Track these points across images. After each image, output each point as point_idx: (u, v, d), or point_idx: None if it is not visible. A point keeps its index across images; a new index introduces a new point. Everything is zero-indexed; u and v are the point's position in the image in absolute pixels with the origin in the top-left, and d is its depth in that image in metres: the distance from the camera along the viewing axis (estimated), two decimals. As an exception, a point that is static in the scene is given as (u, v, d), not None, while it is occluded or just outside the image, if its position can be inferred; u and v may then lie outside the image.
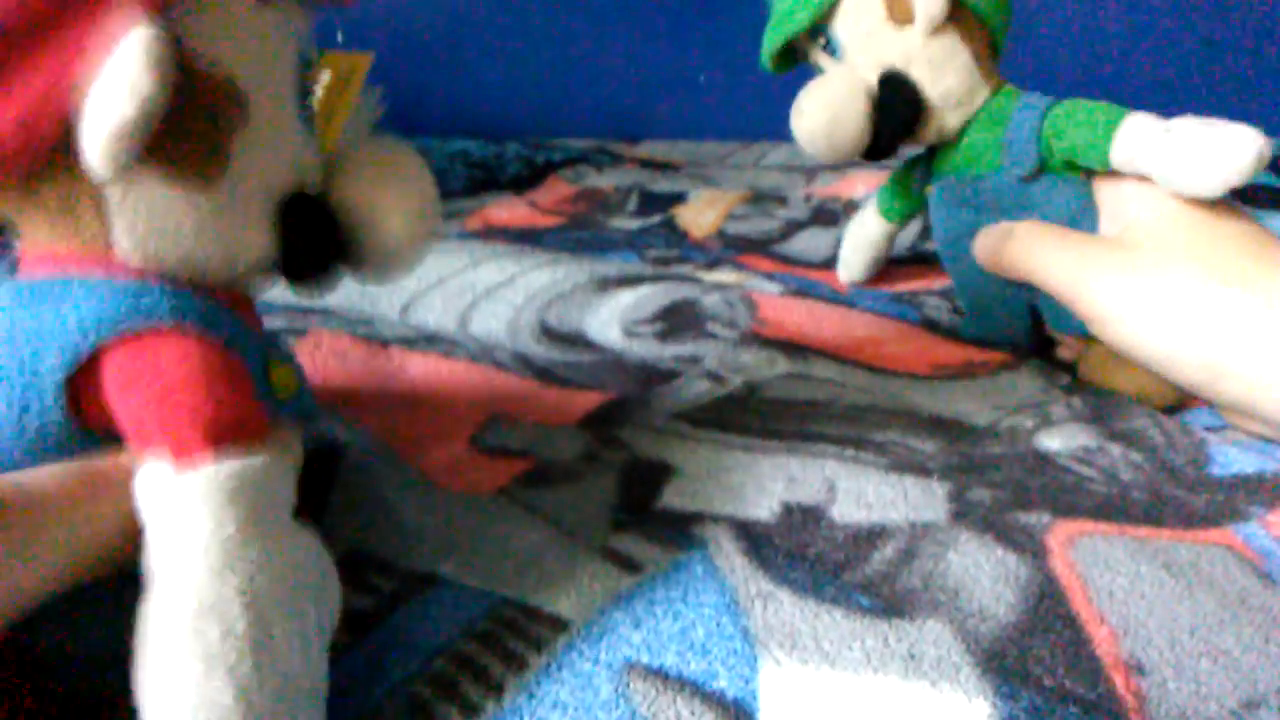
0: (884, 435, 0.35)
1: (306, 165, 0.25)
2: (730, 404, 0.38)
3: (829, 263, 0.58)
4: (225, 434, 0.21)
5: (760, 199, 0.73)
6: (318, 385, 0.41)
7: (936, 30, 0.38)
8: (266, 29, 0.23)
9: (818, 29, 0.41)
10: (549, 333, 0.47)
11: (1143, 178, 0.35)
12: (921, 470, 0.33)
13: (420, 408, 0.39)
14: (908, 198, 0.48)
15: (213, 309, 0.23)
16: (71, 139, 0.19)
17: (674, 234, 0.65)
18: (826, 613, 0.26)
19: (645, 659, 0.24)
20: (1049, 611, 0.26)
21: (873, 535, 0.29)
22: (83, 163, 0.20)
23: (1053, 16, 0.85)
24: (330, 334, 0.46)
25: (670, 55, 1.02)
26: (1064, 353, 0.42)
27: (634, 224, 0.68)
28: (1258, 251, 0.33)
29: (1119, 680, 0.23)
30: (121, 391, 0.21)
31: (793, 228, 0.66)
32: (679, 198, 0.74)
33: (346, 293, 0.49)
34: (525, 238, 0.64)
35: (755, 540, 0.29)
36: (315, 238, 0.25)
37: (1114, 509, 0.30)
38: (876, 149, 0.41)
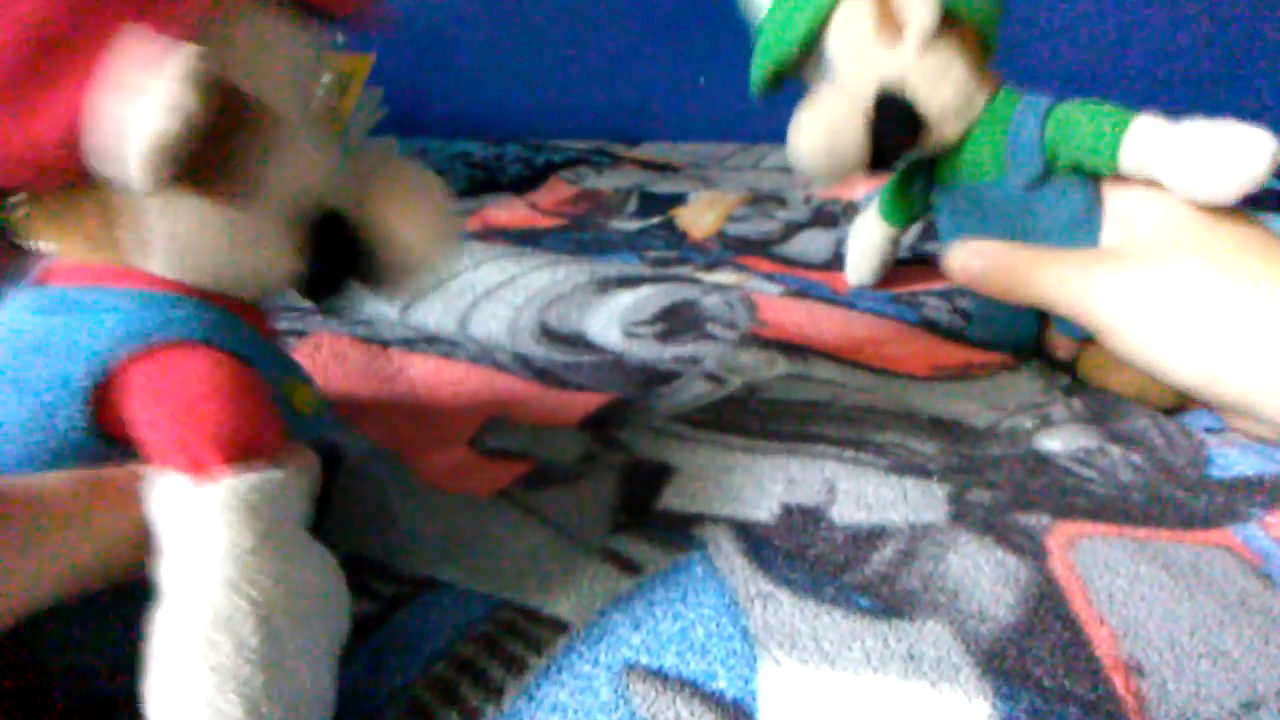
0: (884, 436, 0.35)
1: (326, 178, 0.25)
2: (730, 405, 0.38)
3: (829, 264, 0.58)
4: (244, 449, 0.21)
5: (760, 200, 0.73)
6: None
7: (930, 41, 0.38)
8: (297, 49, 0.23)
9: (808, 49, 0.41)
10: (549, 334, 0.47)
11: (1152, 182, 0.35)
12: (921, 471, 0.33)
13: (420, 409, 0.39)
14: (909, 202, 0.47)
15: (237, 325, 0.23)
16: (89, 153, 0.20)
17: (674, 235, 0.65)
18: (826, 613, 0.26)
19: (645, 660, 0.24)
20: (1049, 612, 0.26)
21: (872, 536, 0.29)
22: (106, 177, 0.20)
23: (1052, 16, 0.85)
24: (330, 336, 0.46)
25: (670, 57, 1.02)
26: (1059, 353, 0.42)
27: (634, 225, 0.69)
28: (1260, 252, 0.33)
29: (1119, 681, 0.23)
30: (144, 403, 0.21)
31: (792, 229, 0.66)
32: (679, 199, 0.74)
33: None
34: (525, 239, 0.64)
35: (755, 541, 0.29)
36: (336, 252, 0.25)
37: (1114, 510, 0.30)
38: (876, 165, 0.40)
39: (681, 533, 0.30)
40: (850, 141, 0.39)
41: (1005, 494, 0.31)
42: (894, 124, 0.39)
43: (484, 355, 0.44)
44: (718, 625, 0.25)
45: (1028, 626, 0.25)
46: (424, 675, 0.24)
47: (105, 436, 0.21)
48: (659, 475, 0.33)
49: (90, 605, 0.20)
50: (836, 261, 0.59)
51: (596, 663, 0.24)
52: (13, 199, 0.22)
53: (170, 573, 0.19)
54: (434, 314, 0.49)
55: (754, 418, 0.37)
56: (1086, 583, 0.27)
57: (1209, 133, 0.33)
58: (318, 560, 0.21)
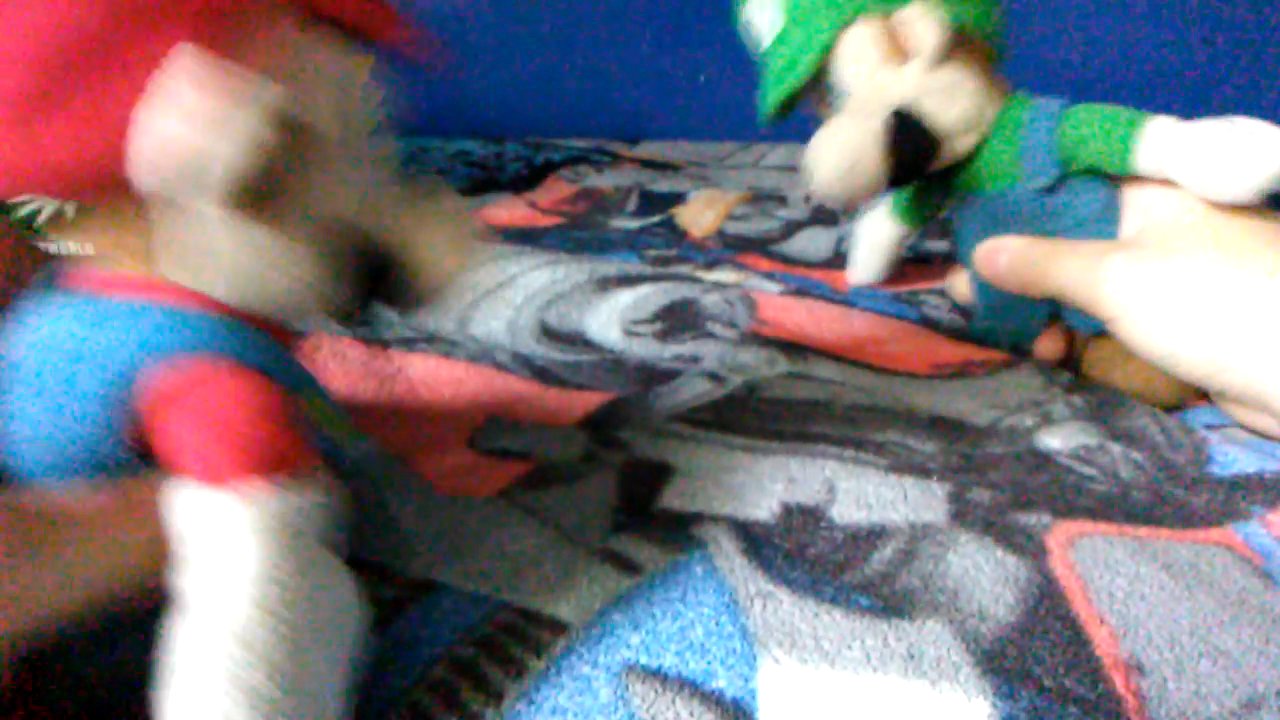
0: (884, 435, 0.35)
1: (356, 200, 0.25)
2: (730, 404, 0.38)
3: (829, 262, 0.58)
4: (271, 464, 0.21)
5: (760, 199, 0.73)
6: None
7: (939, 61, 0.38)
8: (348, 79, 0.23)
9: (818, 77, 0.41)
10: (549, 333, 0.47)
11: (1168, 181, 0.35)
12: (921, 471, 0.33)
13: (419, 409, 0.39)
14: (922, 205, 0.47)
15: (267, 343, 0.23)
16: (129, 163, 0.20)
17: (674, 234, 0.65)
18: (826, 612, 0.26)
19: (644, 660, 0.24)
20: (1049, 612, 0.26)
21: (872, 536, 0.29)
22: (139, 188, 0.20)
23: (1052, 17, 0.85)
24: (330, 335, 0.46)
25: (670, 56, 1.02)
26: (1042, 356, 0.42)
27: (634, 224, 0.68)
28: (1272, 242, 0.33)
29: (1119, 680, 0.23)
30: (172, 416, 0.21)
31: (792, 227, 0.66)
32: (679, 198, 0.74)
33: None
34: (525, 238, 0.64)
35: (755, 540, 0.29)
36: (363, 273, 0.25)
37: (1114, 508, 0.30)
38: (895, 184, 0.40)
39: (681, 532, 0.30)
40: (868, 165, 0.39)
41: (1005, 493, 0.31)
42: (909, 144, 0.39)
43: (483, 354, 0.44)
44: (717, 625, 0.25)
45: (1028, 626, 0.25)
46: (424, 679, 0.24)
47: (130, 449, 0.21)
48: (659, 474, 0.33)
49: (104, 616, 0.20)
50: (837, 260, 0.59)
51: (596, 664, 0.24)
52: (32, 204, 0.22)
53: (194, 585, 0.19)
54: (433, 313, 0.49)
55: (754, 417, 0.37)
56: (1086, 582, 0.27)
57: (1225, 132, 0.33)
58: (338, 576, 0.22)
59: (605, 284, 0.53)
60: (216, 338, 0.22)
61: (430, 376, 0.42)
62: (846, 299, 0.51)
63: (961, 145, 0.40)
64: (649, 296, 0.51)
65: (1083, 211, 0.38)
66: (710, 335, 0.45)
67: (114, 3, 0.19)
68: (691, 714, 0.23)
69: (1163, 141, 0.34)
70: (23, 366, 0.22)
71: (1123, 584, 0.27)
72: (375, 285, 0.25)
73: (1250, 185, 0.32)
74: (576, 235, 0.66)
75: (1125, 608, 0.26)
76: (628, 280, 0.53)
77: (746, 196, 0.73)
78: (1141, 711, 0.22)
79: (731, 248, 0.62)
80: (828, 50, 0.40)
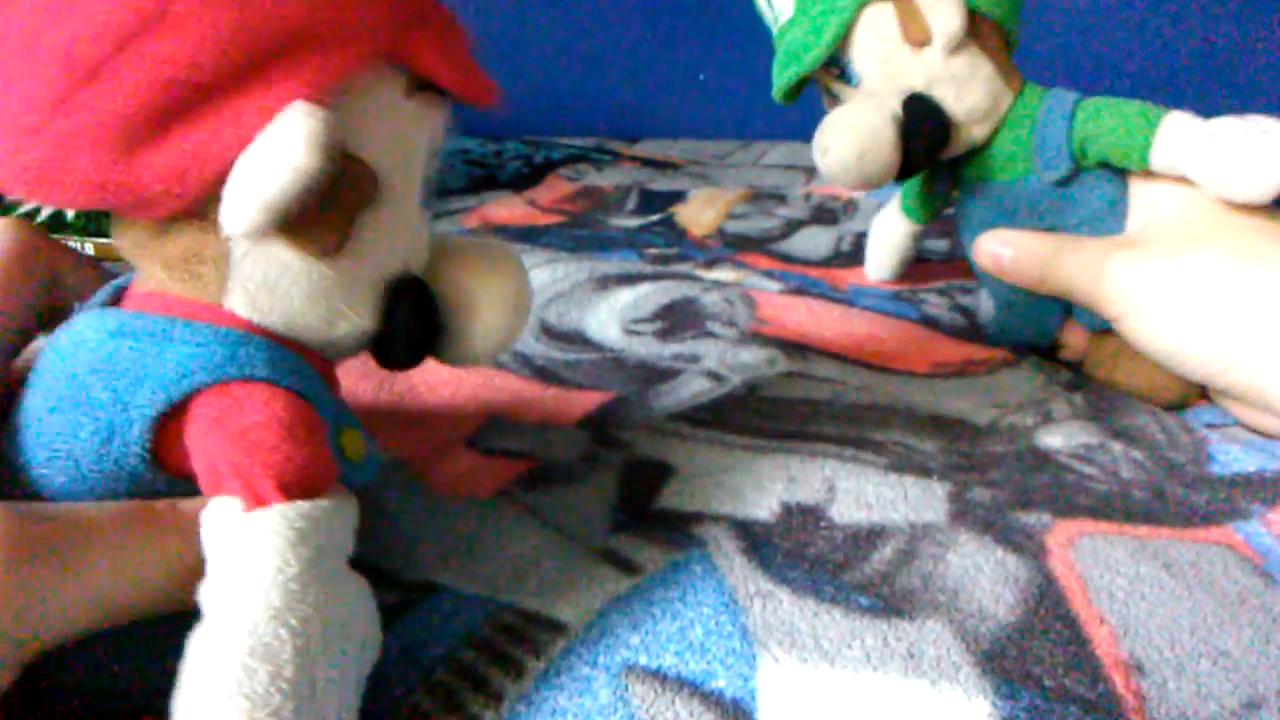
0: (884, 435, 0.35)
1: (418, 249, 0.26)
2: (730, 403, 0.38)
3: (828, 261, 0.58)
4: (298, 479, 0.21)
5: (760, 197, 0.73)
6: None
7: (955, 46, 0.38)
8: (407, 118, 0.24)
9: (832, 59, 0.40)
10: (548, 331, 0.47)
11: (1181, 179, 0.35)
12: (921, 470, 0.33)
13: (419, 409, 0.39)
14: (931, 199, 0.47)
15: (304, 369, 0.23)
16: (211, 195, 0.20)
17: (674, 232, 0.65)
18: (826, 612, 0.26)
19: (644, 660, 0.24)
20: (1049, 611, 0.26)
21: (872, 535, 0.29)
22: (218, 219, 0.20)
23: (1051, 16, 0.85)
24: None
25: (670, 54, 1.01)
26: (1066, 355, 0.42)
27: (633, 222, 0.68)
28: (1276, 237, 0.33)
29: (1119, 680, 0.23)
30: (203, 433, 0.21)
31: (792, 226, 0.66)
32: (679, 196, 0.74)
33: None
34: (525, 236, 0.64)
35: (754, 540, 0.29)
36: (417, 321, 0.25)
37: (1114, 507, 0.30)
38: (906, 171, 0.40)
39: (681, 531, 0.30)
40: (881, 149, 0.38)
41: (1005, 492, 0.31)
42: (924, 129, 0.39)
43: (483, 354, 0.44)
44: (717, 624, 0.25)
45: (1028, 625, 0.25)
46: (424, 681, 0.24)
47: (162, 469, 0.22)
48: (658, 474, 0.33)
49: (121, 630, 0.20)
50: (836, 258, 0.59)
51: (595, 664, 0.24)
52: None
53: (213, 596, 0.19)
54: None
55: (754, 416, 0.37)
56: (1086, 581, 0.27)
57: (1242, 131, 0.33)
58: (358, 594, 0.22)
59: (605, 283, 0.53)
60: (253, 360, 0.22)
61: (430, 376, 0.42)
62: (846, 297, 0.51)
63: (975, 134, 0.40)
64: (649, 295, 0.51)
65: (1092, 206, 0.38)
66: (710, 334, 0.45)
67: (239, 52, 0.20)
68: (691, 714, 0.23)
69: (1179, 139, 0.34)
70: (71, 381, 0.22)
71: (1123, 584, 0.27)
72: (424, 333, 0.26)
73: (1267, 187, 0.32)
74: (576, 234, 0.66)
75: (1125, 608, 0.26)
76: (627, 279, 0.53)
77: (746, 195, 0.73)
78: (1141, 711, 0.22)
79: (731, 246, 0.61)
80: (844, 31, 0.39)
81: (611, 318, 0.48)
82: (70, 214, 0.51)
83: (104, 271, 0.27)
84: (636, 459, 0.34)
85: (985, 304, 0.49)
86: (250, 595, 0.19)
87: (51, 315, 0.25)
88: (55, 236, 0.26)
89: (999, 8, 0.38)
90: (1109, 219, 0.37)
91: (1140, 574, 0.27)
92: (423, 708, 0.23)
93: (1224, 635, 0.25)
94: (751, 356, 0.43)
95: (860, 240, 0.61)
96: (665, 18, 1.00)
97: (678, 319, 0.48)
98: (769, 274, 0.55)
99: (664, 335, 0.46)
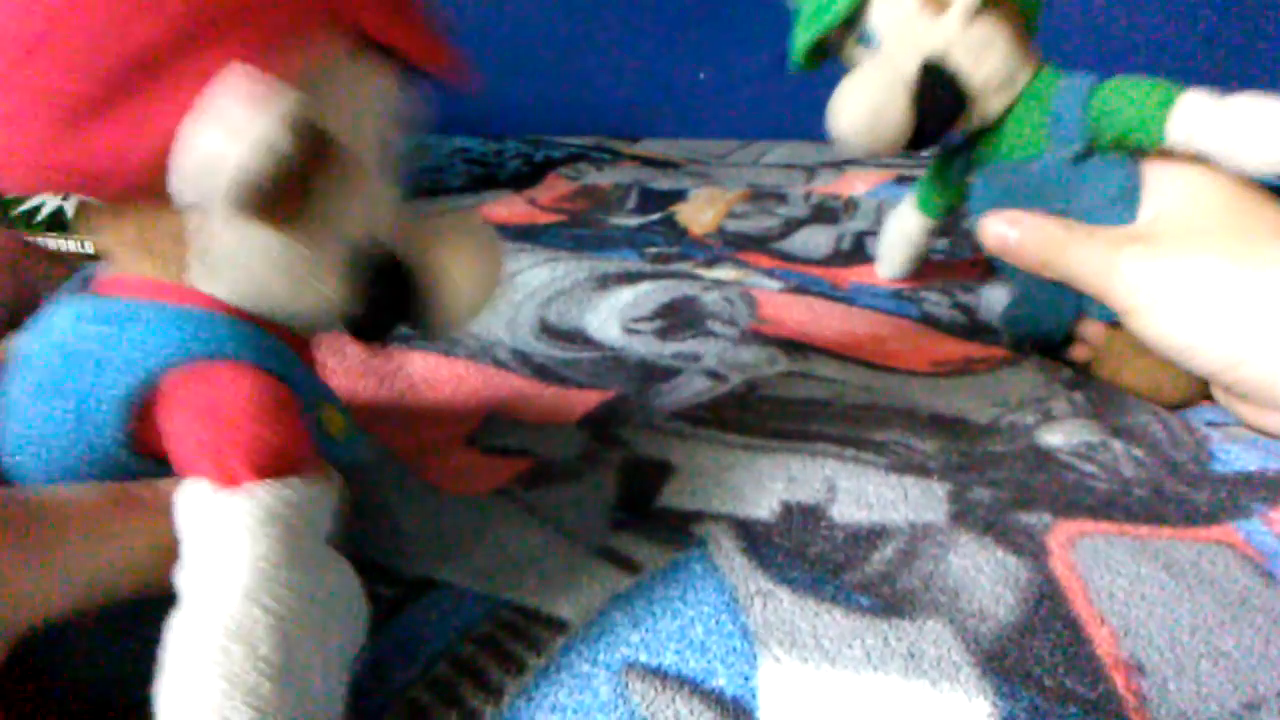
0: (884, 434, 0.35)
1: (386, 219, 0.26)
2: (730, 402, 0.38)
3: (829, 259, 0.58)
4: (274, 461, 0.21)
5: (760, 196, 0.73)
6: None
7: (975, 14, 0.38)
8: (355, 79, 0.24)
9: (850, 22, 0.40)
10: (548, 330, 0.47)
11: (1193, 159, 0.35)
12: (922, 470, 0.33)
13: (419, 407, 0.39)
14: (947, 190, 0.47)
15: (280, 349, 0.23)
16: (167, 171, 0.20)
17: (674, 231, 0.65)
18: (826, 612, 0.26)
19: (644, 658, 0.24)
20: (1049, 612, 0.26)
21: (873, 535, 0.29)
22: (175, 195, 0.20)
23: (1050, 14, 0.85)
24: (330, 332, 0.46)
25: (670, 53, 1.01)
26: (1078, 353, 0.41)
27: (634, 221, 0.68)
28: None
29: (1119, 680, 0.23)
30: (177, 415, 0.21)
31: (792, 225, 0.66)
32: (679, 195, 0.74)
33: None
34: (525, 235, 0.64)
35: (755, 539, 0.29)
36: (389, 293, 0.25)
37: (1115, 506, 0.30)
38: (918, 140, 0.40)
39: (681, 531, 0.30)
40: (893, 114, 0.38)
41: (1006, 492, 0.31)
42: (938, 97, 0.38)
43: (483, 352, 0.44)
44: (717, 623, 0.25)
45: (1028, 626, 0.25)
46: (424, 677, 0.24)
47: (139, 452, 0.22)
48: (658, 473, 0.33)
49: (104, 614, 0.20)
50: (837, 257, 0.59)
51: (595, 662, 0.24)
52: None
53: (190, 579, 0.19)
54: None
55: (754, 415, 0.37)
56: (1087, 582, 0.27)
57: (1259, 105, 0.33)
58: (338, 574, 0.21)
59: (605, 281, 0.53)
60: (228, 341, 0.22)
61: (430, 374, 0.42)
62: (847, 296, 0.51)
63: (990, 107, 0.39)
64: (649, 294, 0.51)
65: (1105, 191, 0.37)
66: (710, 333, 0.45)
67: (174, 18, 0.19)
68: (691, 712, 0.23)
69: (1197, 113, 0.34)
70: (43, 368, 0.22)
71: (1124, 584, 0.27)
72: (401, 307, 0.26)
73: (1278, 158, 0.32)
74: (576, 233, 0.65)
75: (1126, 608, 0.26)
76: (628, 278, 0.53)
77: (746, 194, 0.73)
78: (1142, 712, 0.22)
79: (731, 245, 0.61)
80: None
81: (612, 316, 0.48)
82: (70, 213, 0.51)
83: (73, 268, 0.27)
84: (636, 458, 0.34)
85: (992, 301, 0.49)
86: (224, 577, 0.19)
87: (21, 311, 0.25)
88: (56, 236, 0.26)
89: None
90: (1120, 206, 0.37)
91: (1141, 574, 0.27)
92: (422, 702, 0.23)
93: (1225, 635, 0.24)
94: (752, 355, 0.43)
95: (861, 239, 0.61)
96: (665, 17, 1.00)
97: (678, 318, 0.48)
98: (769, 273, 0.55)
99: (664, 334, 0.46)
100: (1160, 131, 0.35)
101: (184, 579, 0.19)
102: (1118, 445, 0.34)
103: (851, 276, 0.55)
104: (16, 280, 0.26)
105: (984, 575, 0.27)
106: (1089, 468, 0.33)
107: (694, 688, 0.23)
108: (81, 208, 0.23)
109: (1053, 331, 0.42)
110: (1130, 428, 0.35)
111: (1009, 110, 0.39)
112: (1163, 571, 0.27)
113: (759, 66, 0.90)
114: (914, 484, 0.32)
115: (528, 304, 0.50)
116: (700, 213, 0.69)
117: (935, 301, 0.50)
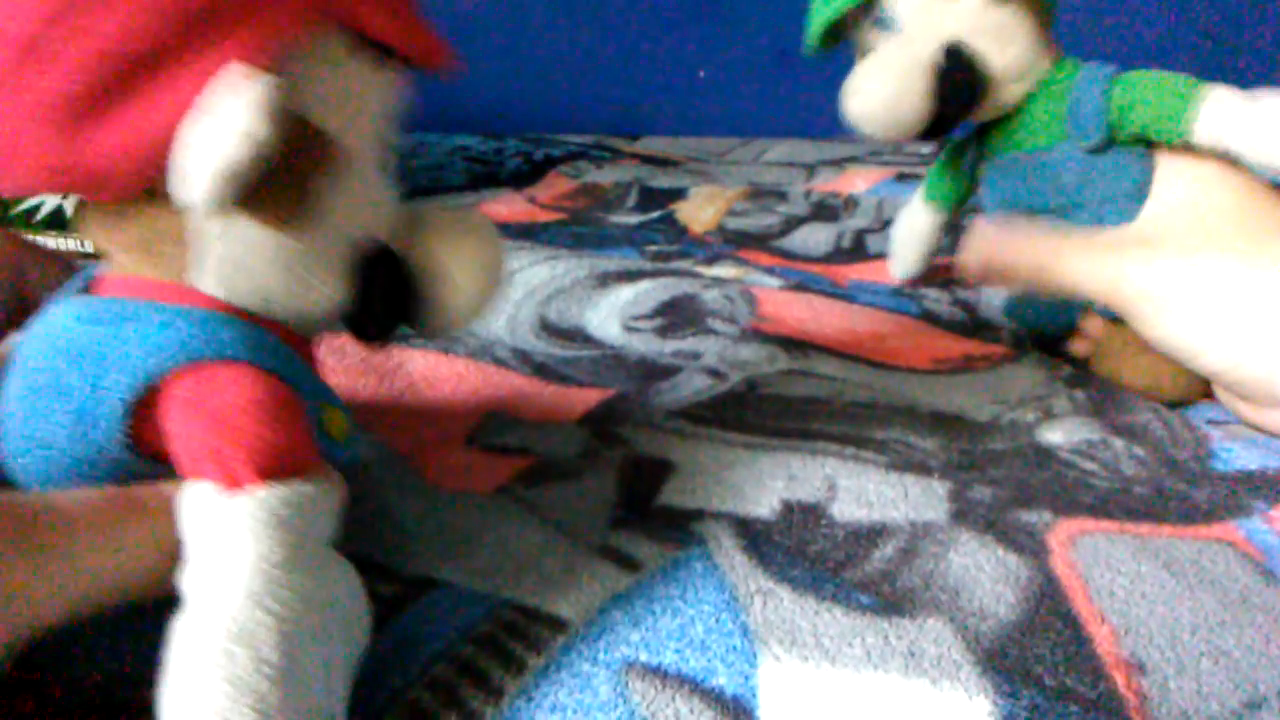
0: (884, 433, 0.35)
1: (385, 217, 0.26)
2: (730, 400, 0.38)
3: (829, 257, 0.58)
4: (277, 463, 0.21)
5: (760, 194, 0.73)
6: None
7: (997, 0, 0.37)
8: (353, 78, 0.24)
9: (868, 4, 0.40)
10: (548, 328, 0.47)
11: (1204, 157, 0.34)
12: (922, 469, 0.33)
13: (419, 405, 0.39)
14: (958, 182, 0.46)
15: (280, 348, 0.23)
16: (165, 172, 0.20)
17: (674, 229, 0.65)
18: (827, 610, 0.26)
19: (644, 657, 0.24)
20: (1050, 610, 0.26)
21: (873, 534, 0.29)
22: (173, 195, 0.20)
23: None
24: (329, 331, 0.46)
25: (670, 52, 1.01)
26: (1078, 346, 0.41)
27: (634, 219, 0.68)
28: None
29: (1120, 679, 0.23)
30: (181, 415, 0.21)
31: (792, 223, 0.66)
32: (679, 193, 0.74)
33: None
34: (525, 233, 0.64)
35: (755, 538, 0.29)
36: (389, 291, 0.25)
37: (1116, 504, 0.30)
38: (935, 127, 0.39)
39: (681, 529, 0.30)
40: (912, 97, 0.38)
41: (1006, 490, 0.31)
42: (958, 82, 0.38)
43: (483, 350, 0.44)
44: (717, 622, 0.25)
45: (1029, 624, 0.25)
46: (424, 677, 0.24)
47: (141, 453, 0.21)
48: (658, 471, 0.33)
49: (105, 615, 0.20)
50: (837, 255, 0.59)
51: (595, 661, 0.24)
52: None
53: (194, 582, 0.19)
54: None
55: (754, 413, 0.37)
56: (1087, 580, 0.27)
57: None
58: (341, 576, 0.21)
59: (605, 280, 0.52)
60: (229, 341, 0.22)
61: (430, 372, 0.42)
62: (847, 294, 0.51)
63: (1009, 94, 0.39)
64: (649, 292, 0.51)
65: (1120, 183, 0.37)
66: (710, 331, 0.45)
67: (173, 19, 0.19)
68: (691, 711, 0.23)
69: (1226, 111, 0.34)
70: (44, 369, 0.22)
71: (1124, 583, 0.26)
72: (402, 306, 0.26)
73: None
74: (576, 231, 0.65)
75: (1126, 607, 0.26)
76: (628, 276, 0.53)
77: (746, 192, 0.73)
78: (1142, 711, 0.22)
79: (731, 243, 0.61)
80: None
81: (612, 314, 0.48)
82: (70, 212, 0.51)
83: (71, 267, 0.27)
84: (637, 456, 0.34)
85: (992, 298, 0.49)
86: (228, 580, 0.19)
87: (21, 312, 0.25)
88: (56, 235, 0.26)
89: None
90: (1129, 201, 0.37)
91: (1141, 573, 0.27)
92: (422, 702, 0.23)
93: (1225, 634, 0.24)
94: (752, 353, 0.42)
95: (861, 237, 0.61)
96: (665, 16, 1.00)
97: (678, 316, 0.48)
98: (769, 270, 0.55)
99: (664, 332, 0.46)
100: (1184, 127, 0.35)
101: (187, 581, 0.19)
102: (1118, 443, 0.34)
103: (851, 274, 0.55)
104: (17, 280, 0.26)
105: (984, 574, 0.27)
106: (1089, 466, 0.33)
107: (694, 686, 0.23)
108: (81, 208, 0.23)
109: (1056, 329, 0.42)
110: (1131, 426, 0.35)
111: (1026, 100, 0.39)
112: (1163, 570, 0.27)
113: (758, 64, 0.90)
114: (914, 482, 0.32)
115: (528, 302, 0.50)
116: (700, 210, 0.69)
117: (935, 299, 0.50)
